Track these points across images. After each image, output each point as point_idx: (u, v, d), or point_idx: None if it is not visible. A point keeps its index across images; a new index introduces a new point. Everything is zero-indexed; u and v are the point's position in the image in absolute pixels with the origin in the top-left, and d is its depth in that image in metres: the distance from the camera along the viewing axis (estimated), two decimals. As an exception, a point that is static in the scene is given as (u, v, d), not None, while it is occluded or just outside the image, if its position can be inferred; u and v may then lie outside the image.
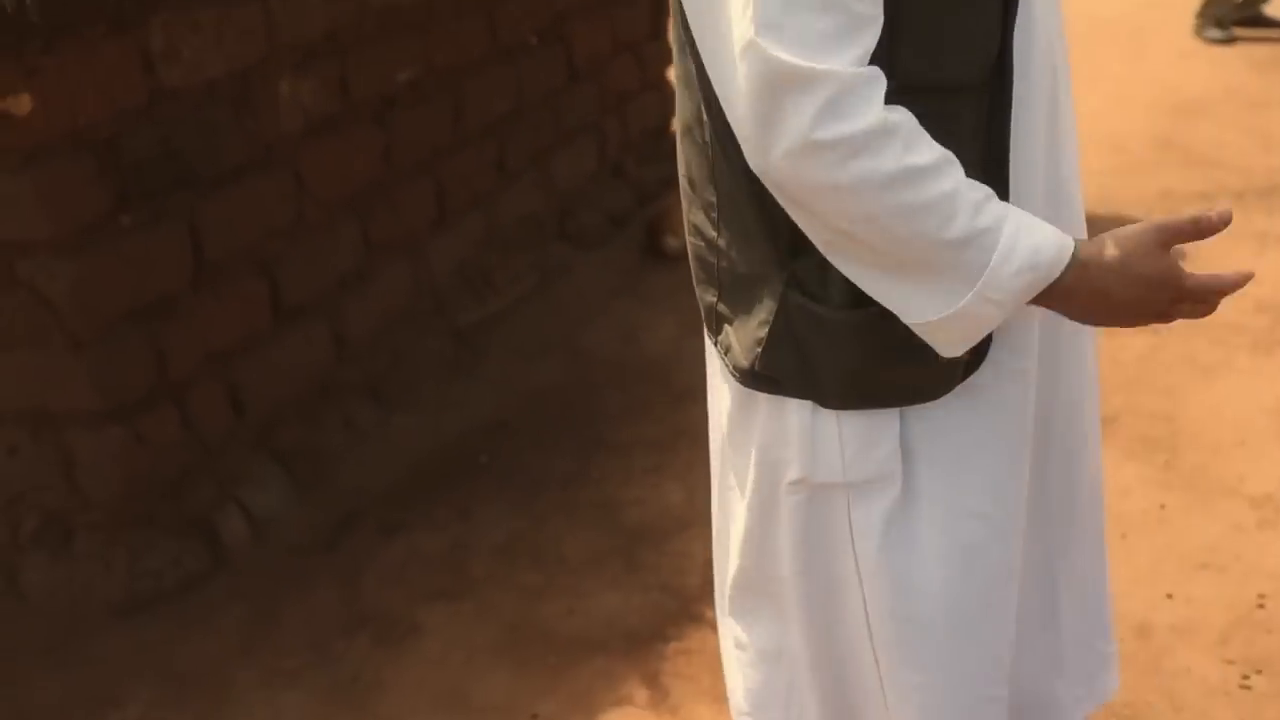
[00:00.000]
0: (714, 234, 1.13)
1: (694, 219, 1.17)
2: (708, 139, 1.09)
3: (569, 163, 3.74)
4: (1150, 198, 3.89)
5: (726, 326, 1.16)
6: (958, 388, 1.10)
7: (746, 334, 1.12)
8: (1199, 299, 1.03)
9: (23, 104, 2.04)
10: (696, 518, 2.27)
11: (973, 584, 1.16)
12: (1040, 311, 1.12)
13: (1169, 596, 2.08)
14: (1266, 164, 3.99)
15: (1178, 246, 1.03)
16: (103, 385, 2.16)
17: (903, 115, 0.96)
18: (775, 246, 1.07)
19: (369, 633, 2.14)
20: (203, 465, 2.38)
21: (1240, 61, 5.21)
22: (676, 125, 1.17)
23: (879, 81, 0.94)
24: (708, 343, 1.22)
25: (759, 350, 1.11)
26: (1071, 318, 1.07)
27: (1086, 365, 1.26)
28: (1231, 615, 2.02)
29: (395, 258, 2.97)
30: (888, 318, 1.04)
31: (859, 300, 1.04)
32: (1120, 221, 3.67)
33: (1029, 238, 0.98)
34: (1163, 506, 2.32)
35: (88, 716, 1.98)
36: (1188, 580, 2.12)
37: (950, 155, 0.98)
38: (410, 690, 2.00)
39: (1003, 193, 1.04)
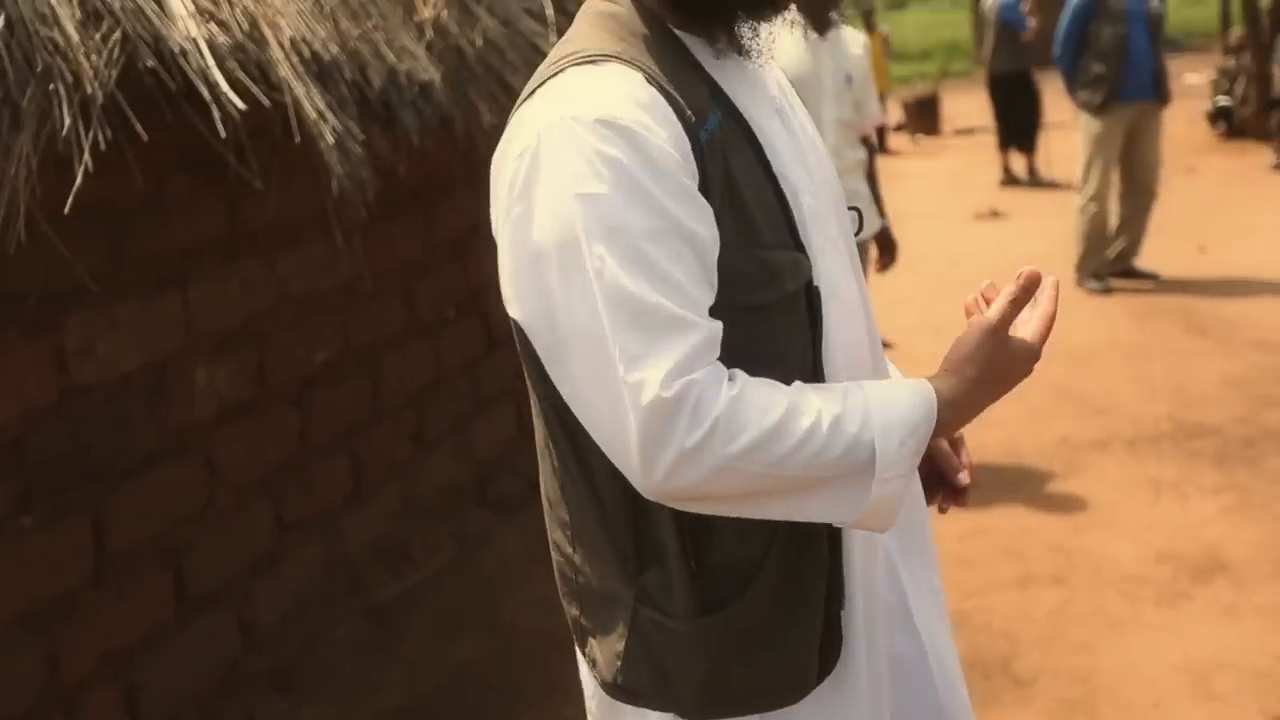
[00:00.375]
0: (570, 550, 1.19)
1: (553, 535, 1.23)
2: (556, 464, 1.17)
3: (488, 429, 3.80)
4: (1050, 445, 4.05)
5: (590, 639, 1.20)
6: (813, 691, 1.15)
7: (607, 647, 1.17)
8: (1039, 353, 1.14)
9: (-72, 410, 2.03)
10: (618, 812, 2.18)
11: None
12: (885, 613, 1.20)
13: None
14: (1154, 412, 4.21)
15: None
16: (-13, 699, 2.05)
17: (741, 377, 1.04)
18: (623, 563, 1.13)
19: None
20: (91, 778, 2.24)
21: (1120, 311, 5.58)
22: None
23: (717, 367, 1.02)
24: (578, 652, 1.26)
25: (619, 664, 1.15)
26: (961, 426, 1.16)
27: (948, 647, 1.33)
28: None
29: (308, 537, 2.94)
30: (732, 624, 1.10)
31: (702, 610, 1.10)
32: (1024, 472, 3.74)
33: (894, 409, 1.07)
34: (1088, 776, 2.30)
35: None
36: None
37: (793, 388, 1.06)
38: None
39: None
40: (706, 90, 1.10)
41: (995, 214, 8.23)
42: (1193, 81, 13.40)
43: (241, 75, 1.84)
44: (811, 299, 1.13)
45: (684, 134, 1.04)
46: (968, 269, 6.59)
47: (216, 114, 1.77)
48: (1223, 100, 10.20)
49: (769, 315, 1.09)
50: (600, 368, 1.01)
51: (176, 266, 2.56)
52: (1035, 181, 9.36)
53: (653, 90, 1.05)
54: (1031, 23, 9.03)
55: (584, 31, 1.13)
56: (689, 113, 1.05)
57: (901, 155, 11.44)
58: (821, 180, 1.22)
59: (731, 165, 1.09)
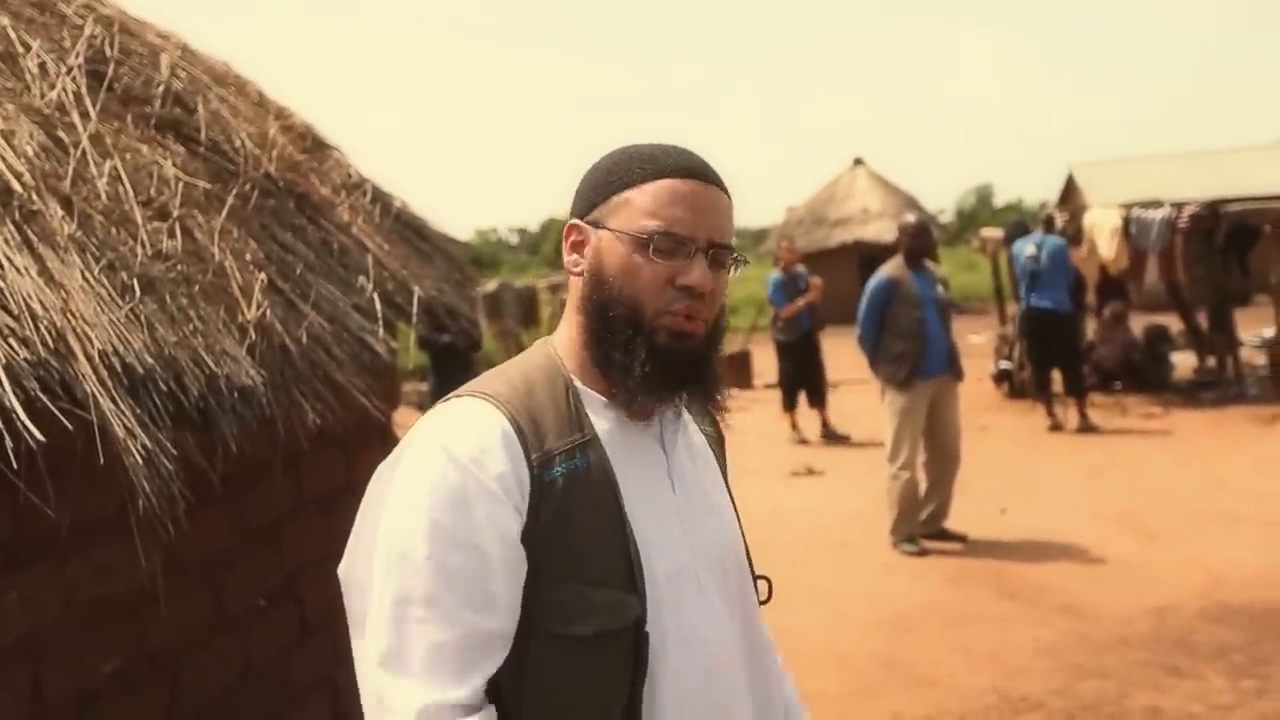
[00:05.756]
0: None
1: None
2: None
3: (297, 729, 3.48)
4: (883, 723, 4.02)
5: None
6: None
7: None
8: None
9: None
10: None
11: None
12: None
13: None
14: (976, 684, 4.26)
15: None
16: None
17: None
18: None
19: None
20: None
21: (935, 574, 5.75)
22: None
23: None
24: None
25: None
26: None
27: None
28: None
29: None
30: None
31: None
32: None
33: None
34: None
35: None
36: None
37: None
38: None
39: None
40: (582, 439, 1.24)
41: (810, 471, 8.50)
42: (975, 341, 14.66)
43: (42, 395, 1.71)
44: (639, 643, 1.19)
45: (525, 470, 1.20)
46: (790, 528, 6.72)
47: (9, 444, 1.62)
48: (1005, 364, 11.15)
49: (584, 649, 1.17)
50: (368, 654, 1.18)
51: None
52: (830, 435, 9.79)
53: (509, 429, 1.21)
54: (807, 295, 9.64)
55: (494, 371, 1.32)
56: (537, 454, 1.21)
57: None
58: (705, 541, 1.32)
59: (575, 505, 1.21)
